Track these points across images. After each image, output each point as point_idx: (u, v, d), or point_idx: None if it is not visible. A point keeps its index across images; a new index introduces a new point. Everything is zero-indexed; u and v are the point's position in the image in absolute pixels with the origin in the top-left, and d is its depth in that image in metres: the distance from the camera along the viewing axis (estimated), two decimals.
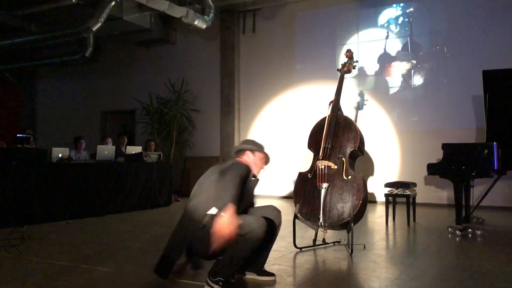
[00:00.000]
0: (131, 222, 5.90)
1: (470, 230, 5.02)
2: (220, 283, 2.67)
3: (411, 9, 8.25)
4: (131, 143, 9.57)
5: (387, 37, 8.41)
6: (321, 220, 3.93)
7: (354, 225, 3.93)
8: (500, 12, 7.51)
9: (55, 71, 12.27)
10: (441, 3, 8.01)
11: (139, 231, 5.24)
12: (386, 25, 8.45)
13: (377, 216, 6.42)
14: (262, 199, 6.99)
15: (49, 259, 3.68)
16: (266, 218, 2.85)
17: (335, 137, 4.21)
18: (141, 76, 10.99)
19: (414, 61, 8.25)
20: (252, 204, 3.09)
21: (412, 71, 8.24)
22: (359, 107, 8.05)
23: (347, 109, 6.89)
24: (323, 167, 4.08)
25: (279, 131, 9.22)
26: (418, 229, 5.37)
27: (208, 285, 2.70)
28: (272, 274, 3.07)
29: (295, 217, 4.06)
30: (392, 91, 8.36)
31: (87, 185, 6.24)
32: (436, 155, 5.94)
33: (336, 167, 4.08)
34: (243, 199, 2.84)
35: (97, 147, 7.22)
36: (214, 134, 9.90)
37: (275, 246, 3.23)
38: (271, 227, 2.92)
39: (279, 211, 3.07)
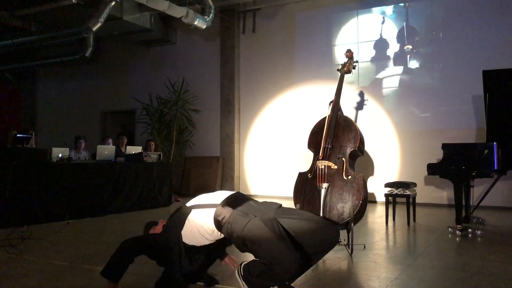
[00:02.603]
0: (131, 222, 5.90)
1: (470, 230, 5.01)
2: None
3: (411, 9, 8.25)
4: (131, 143, 9.58)
5: (386, 40, 8.42)
6: None
7: (354, 225, 3.94)
8: (500, 11, 7.51)
9: (55, 71, 12.27)
10: (440, 6, 8.01)
11: (139, 231, 5.22)
12: (385, 24, 8.45)
13: (377, 216, 6.42)
14: (262, 199, 6.98)
15: (49, 259, 3.68)
16: (304, 254, 2.49)
17: (335, 137, 4.21)
18: (141, 76, 10.98)
19: (415, 62, 8.25)
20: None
21: (413, 71, 8.24)
22: (359, 107, 8.05)
23: (347, 109, 6.90)
24: (323, 167, 4.08)
25: (279, 131, 9.22)
26: (418, 229, 5.36)
27: (238, 274, 2.56)
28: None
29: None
30: (392, 91, 8.35)
31: (87, 185, 6.25)
32: (436, 155, 5.94)
33: (336, 167, 4.08)
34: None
35: (97, 147, 7.23)
36: (214, 134, 9.90)
37: None
38: (305, 266, 2.56)
39: (329, 235, 2.59)
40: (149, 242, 2.80)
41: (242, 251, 2.60)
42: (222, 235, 2.64)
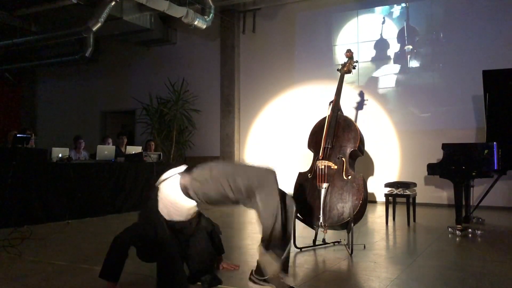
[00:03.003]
0: (131, 222, 5.87)
1: (470, 230, 5.02)
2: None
3: (411, 9, 8.25)
4: (131, 143, 9.58)
5: (386, 40, 8.42)
6: (321, 220, 3.93)
7: (354, 225, 3.93)
8: (500, 11, 7.51)
9: (55, 71, 12.27)
10: (440, 6, 8.01)
11: None
12: (386, 24, 8.45)
13: (377, 216, 6.42)
14: None
15: (49, 259, 3.68)
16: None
17: (335, 137, 4.21)
18: (141, 76, 10.99)
19: (415, 62, 8.25)
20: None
21: (413, 71, 8.24)
22: (359, 107, 8.05)
23: (347, 109, 6.89)
24: (323, 167, 4.08)
25: (279, 131, 9.23)
26: (418, 229, 5.36)
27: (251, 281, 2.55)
28: None
29: (295, 217, 4.05)
30: (392, 91, 8.36)
31: (87, 185, 6.24)
32: (436, 155, 5.94)
33: (336, 167, 4.08)
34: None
35: (97, 147, 7.23)
36: (214, 134, 9.90)
37: None
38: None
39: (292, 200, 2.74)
40: (135, 228, 2.85)
41: (225, 202, 2.65)
42: (195, 205, 2.74)
